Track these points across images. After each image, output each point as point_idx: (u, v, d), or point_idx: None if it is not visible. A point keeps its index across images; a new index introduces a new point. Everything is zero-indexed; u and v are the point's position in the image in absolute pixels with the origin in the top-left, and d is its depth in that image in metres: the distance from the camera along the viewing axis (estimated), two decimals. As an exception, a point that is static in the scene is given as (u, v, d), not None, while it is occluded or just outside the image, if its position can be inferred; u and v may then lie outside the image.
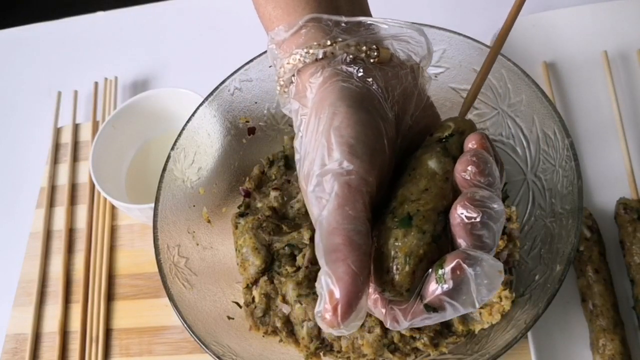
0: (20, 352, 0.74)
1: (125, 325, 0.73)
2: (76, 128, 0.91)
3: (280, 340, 0.57)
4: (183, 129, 0.62)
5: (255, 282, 0.58)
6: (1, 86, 1.03)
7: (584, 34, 0.78)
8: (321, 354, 0.56)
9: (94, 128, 0.89)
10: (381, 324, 0.53)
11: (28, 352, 0.73)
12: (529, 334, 0.60)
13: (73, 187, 0.85)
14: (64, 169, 0.87)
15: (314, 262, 0.58)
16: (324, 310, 0.34)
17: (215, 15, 1.00)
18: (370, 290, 0.39)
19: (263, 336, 0.57)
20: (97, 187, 0.71)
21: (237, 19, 0.99)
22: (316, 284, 0.36)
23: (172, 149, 0.61)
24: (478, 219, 0.36)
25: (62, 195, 0.84)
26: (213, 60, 0.94)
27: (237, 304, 0.59)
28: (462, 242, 0.37)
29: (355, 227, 0.36)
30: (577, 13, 0.80)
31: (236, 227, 0.63)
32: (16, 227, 0.85)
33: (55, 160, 0.88)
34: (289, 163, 0.67)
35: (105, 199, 0.82)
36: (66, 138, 0.90)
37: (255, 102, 0.66)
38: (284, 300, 0.56)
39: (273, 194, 0.63)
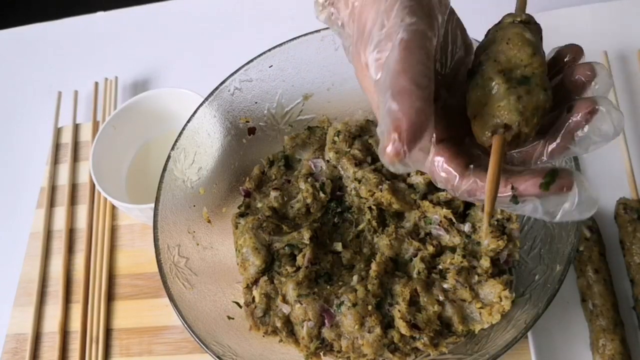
0: (20, 352, 0.74)
1: (125, 325, 0.73)
2: (76, 128, 0.91)
3: (280, 340, 0.57)
4: (183, 129, 0.62)
5: (255, 282, 0.58)
6: (1, 86, 1.03)
7: (584, 34, 0.78)
8: (321, 354, 0.56)
9: (94, 128, 0.89)
10: (381, 323, 0.53)
11: (28, 352, 0.73)
12: (529, 334, 0.60)
13: (73, 187, 0.85)
14: (64, 169, 0.87)
15: (313, 262, 0.58)
16: (388, 140, 0.35)
17: (215, 16, 1.00)
18: (436, 153, 0.40)
19: (263, 336, 0.57)
20: (97, 187, 0.71)
21: (237, 20, 0.99)
22: (378, 126, 0.36)
23: (172, 149, 0.61)
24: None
25: (63, 196, 0.84)
26: (213, 60, 0.94)
27: (237, 304, 0.59)
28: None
29: (421, 70, 0.37)
30: (577, 13, 0.80)
31: (236, 227, 0.63)
32: (16, 227, 0.85)
33: (55, 160, 0.88)
34: (289, 163, 0.67)
35: (105, 199, 0.82)
36: (66, 138, 0.90)
37: (255, 102, 0.66)
38: (284, 300, 0.56)
39: (273, 194, 0.63)
